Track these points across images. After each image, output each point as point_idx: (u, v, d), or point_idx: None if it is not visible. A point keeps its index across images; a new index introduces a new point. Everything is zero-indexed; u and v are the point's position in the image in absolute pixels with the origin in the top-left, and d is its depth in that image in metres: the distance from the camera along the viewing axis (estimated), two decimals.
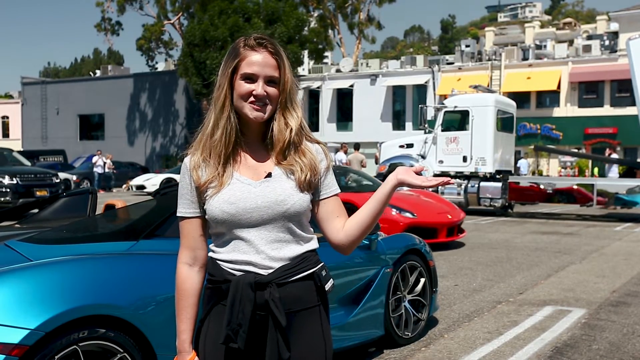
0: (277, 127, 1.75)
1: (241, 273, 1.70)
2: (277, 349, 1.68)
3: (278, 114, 1.75)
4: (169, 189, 4.58)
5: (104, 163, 26.07)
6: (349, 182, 11.14)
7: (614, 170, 19.71)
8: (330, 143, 28.89)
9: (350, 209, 7.89)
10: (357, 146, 18.66)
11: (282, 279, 1.70)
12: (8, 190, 14.23)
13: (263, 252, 1.70)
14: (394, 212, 9.58)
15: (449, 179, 1.75)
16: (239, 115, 1.75)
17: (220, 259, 1.74)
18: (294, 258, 1.73)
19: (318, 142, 1.82)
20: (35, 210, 5.52)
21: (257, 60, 1.71)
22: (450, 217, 10.01)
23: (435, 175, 15.94)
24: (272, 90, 1.73)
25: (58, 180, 15.90)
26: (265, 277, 1.69)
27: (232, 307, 1.66)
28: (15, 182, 14.37)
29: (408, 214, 9.62)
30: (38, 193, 14.51)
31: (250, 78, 1.71)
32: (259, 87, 1.71)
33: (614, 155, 23.39)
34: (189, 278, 1.78)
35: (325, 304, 1.79)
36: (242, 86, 1.71)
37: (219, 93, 1.74)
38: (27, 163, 17.61)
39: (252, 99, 1.71)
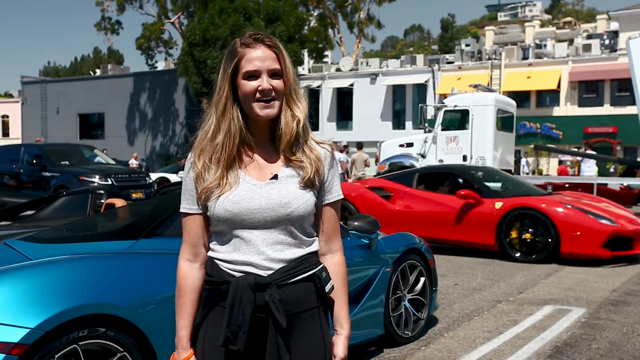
0: (284, 119, 1.72)
1: (241, 274, 1.68)
2: (278, 351, 1.66)
3: (284, 106, 1.73)
4: (167, 188, 4.58)
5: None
6: (511, 185, 9.85)
7: (589, 164, 18.44)
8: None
9: (526, 215, 8.40)
10: (359, 145, 18.59)
11: (282, 281, 1.68)
12: (102, 192, 12.34)
13: (263, 253, 1.69)
14: (590, 218, 8.22)
15: None
16: (246, 116, 1.73)
17: (220, 258, 1.72)
18: (294, 260, 1.71)
19: (325, 144, 1.80)
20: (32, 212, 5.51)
21: (256, 56, 1.69)
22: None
23: None
24: (277, 83, 1.70)
25: (151, 181, 14.55)
26: (265, 278, 1.67)
27: (232, 308, 1.64)
28: (109, 182, 12.94)
29: (607, 222, 8.25)
30: (134, 195, 12.88)
31: (254, 75, 1.69)
32: (263, 82, 1.68)
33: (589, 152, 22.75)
34: (189, 274, 1.76)
35: (325, 305, 1.78)
36: (247, 85, 1.69)
37: (219, 96, 1.72)
38: (112, 162, 15.85)
39: (258, 95, 1.68)
